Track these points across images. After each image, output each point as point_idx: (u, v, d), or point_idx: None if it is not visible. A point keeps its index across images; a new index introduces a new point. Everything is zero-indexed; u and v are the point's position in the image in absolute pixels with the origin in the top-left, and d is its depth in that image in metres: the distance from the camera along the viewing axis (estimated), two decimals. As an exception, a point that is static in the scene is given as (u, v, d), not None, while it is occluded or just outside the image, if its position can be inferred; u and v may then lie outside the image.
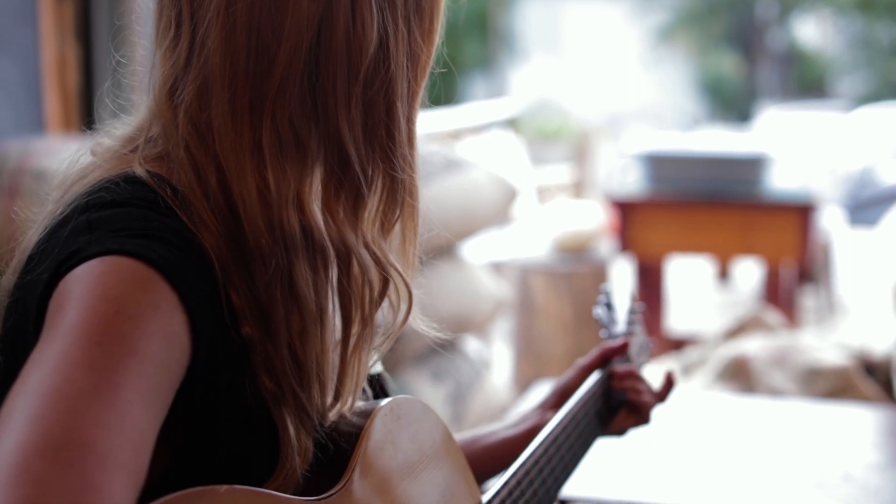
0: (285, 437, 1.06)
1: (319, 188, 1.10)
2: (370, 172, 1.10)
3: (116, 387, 0.83)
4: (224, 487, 0.93)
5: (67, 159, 1.12)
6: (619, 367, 1.54)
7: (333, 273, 1.11)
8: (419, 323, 1.21)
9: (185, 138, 1.04)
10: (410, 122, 1.13)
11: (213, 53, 1.04)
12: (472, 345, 3.52)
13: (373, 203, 1.12)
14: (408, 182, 1.13)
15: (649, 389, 1.54)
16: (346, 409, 1.16)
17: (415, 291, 1.17)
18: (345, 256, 1.09)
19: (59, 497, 0.74)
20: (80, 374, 0.83)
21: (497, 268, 5.16)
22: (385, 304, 1.16)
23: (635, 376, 1.53)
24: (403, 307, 1.17)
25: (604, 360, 1.55)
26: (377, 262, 1.12)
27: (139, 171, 1.04)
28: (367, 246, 1.11)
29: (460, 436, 1.45)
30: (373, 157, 1.10)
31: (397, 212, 1.14)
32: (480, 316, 3.48)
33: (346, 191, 1.09)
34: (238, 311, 1.03)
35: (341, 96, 1.06)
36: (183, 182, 1.04)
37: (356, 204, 1.09)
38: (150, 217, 0.99)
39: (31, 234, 1.05)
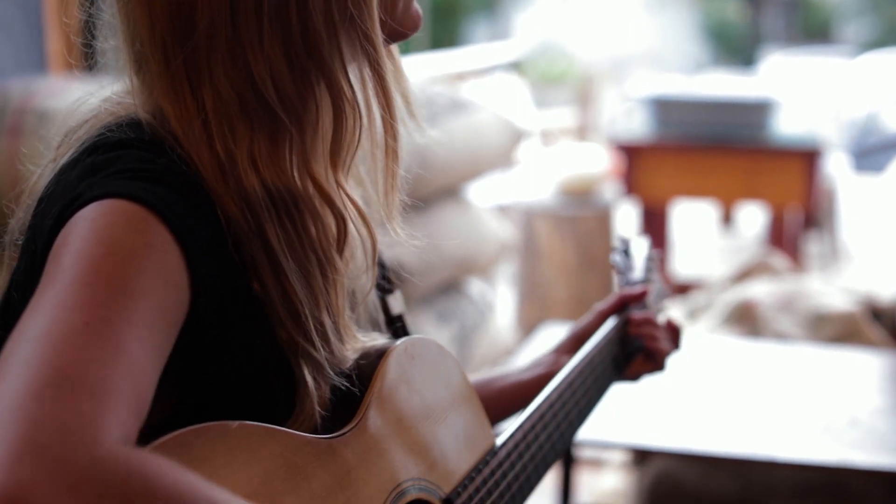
0: (303, 386, 1.06)
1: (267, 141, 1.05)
2: (310, 111, 1.05)
3: (108, 323, 0.83)
4: (235, 423, 0.93)
5: (76, 100, 1.10)
6: (637, 313, 1.53)
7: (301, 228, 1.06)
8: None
9: (147, 114, 1.03)
10: (339, 48, 1.05)
11: (140, 26, 1.02)
12: (476, 287, 3.51)
13: (320, 143, 1.07)
14: (364, 117, 1.08)
15: (665, 337, 1.53)
16: (353, 350, 1.14)
17: (378, 234, 1.13)
18: (291, 201, 1.05)
19: (49, 433, 0.74)
20: (72, 314, 0.82)
21: (501, 211, 5.15)
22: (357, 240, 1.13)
23: (652, 323, 1.52)
24: (368, 249, 1.13)
25: (621, 307, 1.54)
26: (328, 200, 1.08)
27: (143, 115, 1.03)
28: (316, 185, 1.07)
29: (473, 378, 1.44)
30: (307, 92, 1.04)
31: (353, 141, 1.08)
32: (485, 258, 3.47)
33: (289, 137, 1.04)
34: (246, 262, 1.02)
35: (258, 36, 1.01)
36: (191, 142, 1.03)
37: (303, 147, 1.05)
38: (154, 160, 0.98)
39: (42, 174, 1.05)
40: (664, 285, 1.71)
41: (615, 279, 1.65)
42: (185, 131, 1.01)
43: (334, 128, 1.07)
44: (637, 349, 1.51)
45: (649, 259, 1.68)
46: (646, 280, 1.64)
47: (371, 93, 1.09)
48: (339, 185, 1.09)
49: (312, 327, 1.05)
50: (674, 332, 1.55)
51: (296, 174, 1.05)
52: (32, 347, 0.80)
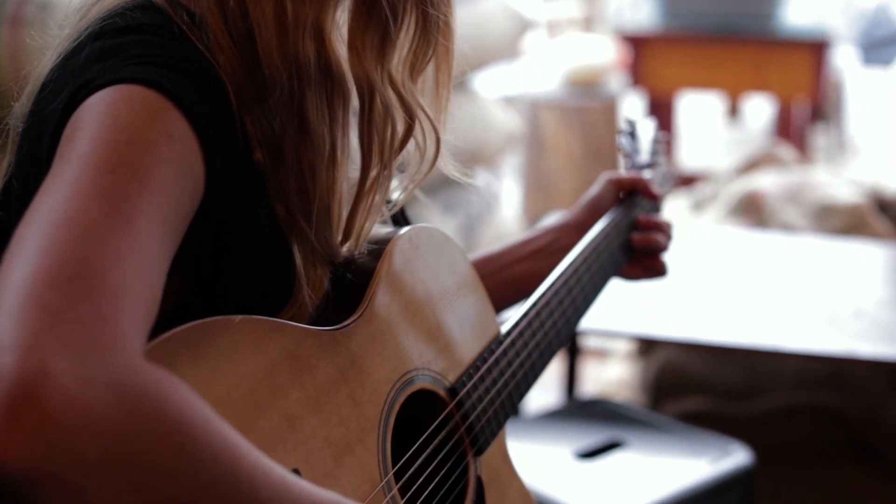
0: (296, 266, 1.05)
1: (348, 21, 1.05)
2: (400, 9, 1.05)
3: (129, 217, 0.81)
4: (239, 317, 0.92)
5: None
6: (643, 216, 1.50)
7: (354, 111, 1.08)
8: (450, 168, 1.18)
9: None
10: None
11: None
12: (482, 178, 3.50)
13: (403, 42, 1.07)
14: (441, 20, 1.08)
15: (667, 241, 1.50)
16: (354, 247, 1.13)
17: (444, 136, 1.13)
18: (367, 94, 1.06)
19: (71, 327, 0.73)
20: (93, 203, 0.80)
21: (507, 102, 5.11)
22: (412, 147, 1.13)
23: (658, 226, 1.49)
24: (430, 152, 1.13)
25: (633, 188, 1.51)
26: (403, 102, 1.08)
27: None
28: (392, 85, 1.07)
29: (475, 258, 1.42)
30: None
31: (430, 52, 1.09)
32: (491, 149, 3.45)
33: (373, 26, 1.04)
34: (251, 137, 1.00)
35: None
36: (202, 4, 1.00)
37: (384, 41, 1.05)
38: (165, 45, 0.95)
39: (46, 61, 1.02)
40: (670, 168, 1.69)
41: (622, 161, 1.63)
42: None
43: (419, 34, 1.08)
44: (641, 251, 1.49)
45: (656, 141, 1.66)
46: (652, 163, 1.61)
47: None
48: (408, 89, 1.09)
49: (316, 209, 1.04)
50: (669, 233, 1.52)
51: (377, 68, 1.05)
52: (51, 233, 0.78)
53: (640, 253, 1.49)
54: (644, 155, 1.62)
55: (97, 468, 0.71)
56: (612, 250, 1.45)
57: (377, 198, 1.12)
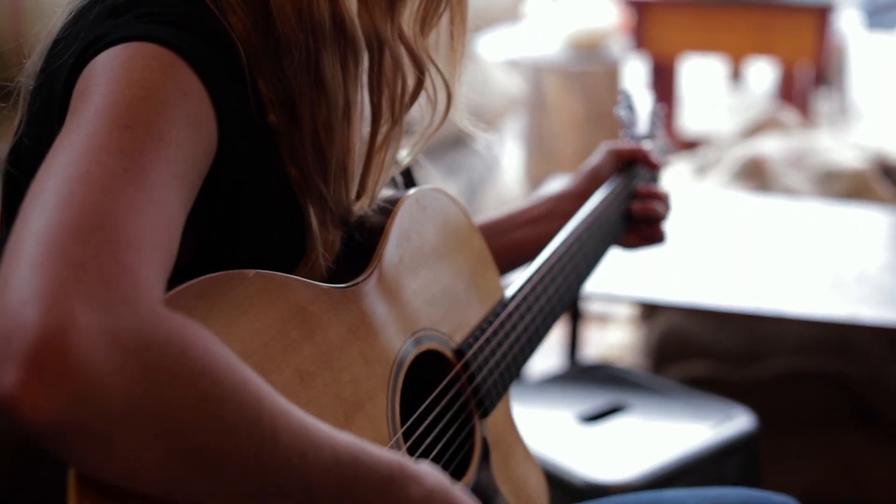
0: (310, 228, 1.05)
1: None
2: None
3: (146, 171, 0.82)
4: (252, 272, 0.93)
5: None
6: (643, 184, 1.51)
7: (365, 67, 1.08)
8: (464, 122, 1.18)
9: None
10: None
11: None
12: (483, 141, 3.50)
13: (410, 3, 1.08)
14: None
15: (665, 210, 1.51)
16: (367, 205, 1.14)
17: (458, 88, 1.14)
18: (377, 49, 1.06)
19: (92, 278, 0.73)
20: (110, 157, 0.81)
21: (509, 66, 5.10)
22: (424, 101, 1.13)
23: (657, 196, 1.50)
24: (442, 106, 1.14)
25: (633, 158, 1.52)
26: (413, 57, 1.09)
27: None
28: (403, 40, 1.08)
29: (481, 223, 1.43)
30: None
31: (442, 5, 1.10)
32: (492, 112, 3.44)
33: None
34: (264, 98, 1.00)
35: None
36: None
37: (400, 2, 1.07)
38: (177, 4, 0.95)
39: (57, 18, 1.02)
40: (666, 141, 1.70)
41: (620, 132, 1.64)
42: None
43: None
44: (641, 220, 1.50)
45: (653, 114, 1.67)
46: (650, 134, 1.62)
47: None
48: (419, 43, 1.10)
49: (332, 168, 1.04)
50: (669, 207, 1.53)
51: (387, 23, 1.06)
52: (70, 186, 0.78)
53: (639, 222, 1.50)
54: (642, 126, 1.63)
55: (123, 418, 0.72)
56: (612, 218, 1.45)
57: (389, 153, 1.13)
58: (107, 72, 0.88)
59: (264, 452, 0.80)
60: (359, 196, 1.12)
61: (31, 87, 1.01)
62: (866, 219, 2.72)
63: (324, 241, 1.07)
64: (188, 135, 0.87)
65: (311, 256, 1.06)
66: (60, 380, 0.70)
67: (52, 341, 0.70)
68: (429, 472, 0.94)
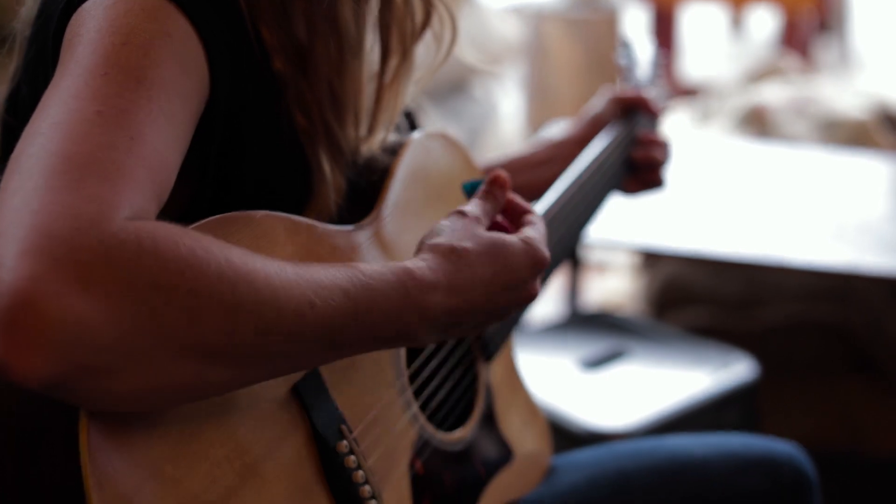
0: (320, 173, 1.05)
1: None
2: None
3: (123, 112, 0.81)
4: (260, 213, 0.92)
5: None
6: (644, 131, 1.51)
7: (375, 4, 1.08)
8: (468, 56, 1.18)
9: None
10: None
11: None
12: (482, 89, 3.48)
13: None
14: None
15: (664, 155, 1.51)
16: (378, 142, 1.14)
17: (460, 22, 1.14)
18: None
19: (57, 218, 0.72)
20: (84, 104, 0.80)
21: (510, 13, 5.06)
22: (428, 37, 1.13)
23: (656, 143, 1.50)
24: (447, 38, 1.15)
25: (634, 105, 1.51)
26: None
27: None
28: None
29: (485, 164, 1.43)
30: None
31: None
32: (493, 60, 3.43)
33: None
34: (269, 46, 0.99)
35: None
36: None
37: None
38: None
39: None
40: (666, 88, 1.69)
41: (621, 80, 1.63)
42: None
43: None
44: (641, 165, 1.50)
45: (654, 61, 1.66)
46: (651, 82, 1.62)
47: None
48: None
49: (346, 108, 1.04)
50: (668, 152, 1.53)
51: None
52: (44, 140, 0.78)
53: (639, 168, 1.50)
54: (643, 73, 1.62)
55: (118, 344, 0.72)
56: (614, 164, 1.45)
57: (400, 89, 1.12)
58: (90, 20, 0.88)
59: (272, 319, 0.79)
60: (370, 134, 1.12)
61: (26, 35, 1.00)
62: (867, 167, 2.71)
63: (333, 183, 1.06)
64: (173, 75, 0.86)
65: (318, 200, 1.05)
66: (41, 335, 0.69)
67: (23, 298, 0.69)
68: (433, 265, 0.94)
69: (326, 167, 1.05)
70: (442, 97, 3.17)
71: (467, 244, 0.96)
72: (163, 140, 0.83)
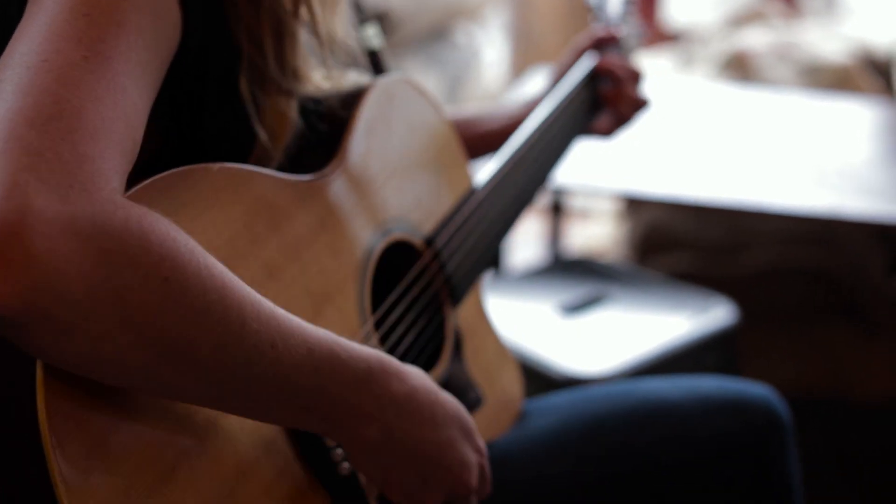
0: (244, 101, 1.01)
1: None
2: None
3: (107, 59, 0.80)
4: (217, 165, 0.91)
5: None
6: (609, 57, 1.47)
7: None
8: None
9: None
10: None
11: None
12: (464, 34, 3.45)
13: None
14: None
15: (632, 80, 1.47)
16: (333, 77, 1.10)
17: None
18: None
19: (50, 167, 0.72)
20: (69, 45, 0.79)
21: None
22: None
23: (620, 66, 1.46)
24: None
25: (597, 45, 1.48)
26: None
27: None
28: None
29: (455, 114, 1.41)
30: None
31: None
32: (473, 2, 3.40)
33: None
34: None
35: None
36: None
37: None
38: None
39: None
40: (640, 27, 1.66)
41: (591, 21, 1.61)
42: None
43: None
44: (609, 98, 1.46)
45: (626, 1, 1.63)
46: (622, 22, 1.59)
47: None
48: None
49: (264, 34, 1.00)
50: (636, 77, 1.49)
51: None
52: (29, 75, 0.76)
53: (609, 102, 1.47)
54: (614, 11, 1.59)
55: (84, 305, 0.71)
56: (582, 105, 1.43)
57: (318, 17, 1.05)
58: None
59: (232, 340, 0.79)
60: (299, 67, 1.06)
61: None
62: (850, 112, 2.70)
63: (267, 119, 1.02)
64: (149, 22, 0.85)
65: (256, 140, 1.02)
66: (19, 267, 0.68)
67: (9, 229, 0.68)
68: (413, 370, 0.93)
69: (245, 94, 1.00)
70: (423, 43, 3.14)
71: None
72: (139, 92, 0.82)
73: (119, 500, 0.77)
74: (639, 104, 1.46)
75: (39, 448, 0.74)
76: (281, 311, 0.83)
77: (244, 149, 1.01)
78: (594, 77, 1.45)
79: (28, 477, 0.75)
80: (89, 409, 0.77)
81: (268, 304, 0.82)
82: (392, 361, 0.91)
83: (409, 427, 0.92)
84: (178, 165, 0.88)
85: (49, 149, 0.72)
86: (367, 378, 0.88)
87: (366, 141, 1.11)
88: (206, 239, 0.87)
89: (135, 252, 0.73)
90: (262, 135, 1.01)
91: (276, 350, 0.82)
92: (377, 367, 0.89)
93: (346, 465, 0.96)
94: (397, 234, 1.13)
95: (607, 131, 1.48)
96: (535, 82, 2.80)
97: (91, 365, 0.75)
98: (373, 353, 0.89)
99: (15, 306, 0.69)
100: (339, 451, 0.96)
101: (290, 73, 1.03)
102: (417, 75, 2.96)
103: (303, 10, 1.03)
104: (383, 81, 1.17)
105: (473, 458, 0.99)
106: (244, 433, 0.88)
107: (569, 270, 2.34)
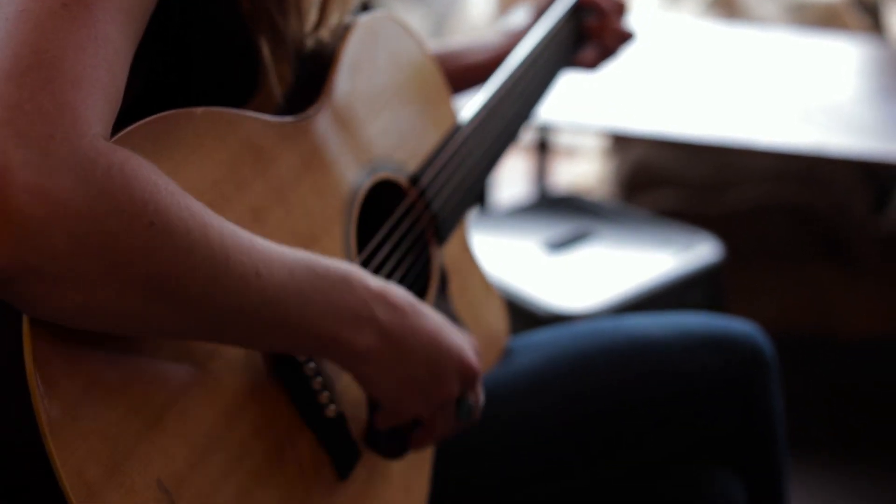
0: (262, 63, 1.02)
1: None
2: None
3: (87, 6, 0.78)
4: (200, 109, 0.90)
5: None
6: None
7: None
8: None
9: None
10: None
11: None
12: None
13: None
14: None
15: (615, 11, 1.46)
16: (325, 35, 1.11)
17: None
18: None
19: (29, 119, 0.71)
20: None
21: None
22: None
23: (608, 1, 1.45)
24: None
25: None
26: None
27: None
28: None
29: (439, 47, 1.40)
30: None
31: None
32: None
33: None
34: None
35: None
36: None
37: None
38: None
39: None
40: None
41: None
42: None
43: None
44: (592, 32, 1.45)
45: None
46: None
47: None
48: None
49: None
50: (621, 9, 1.48)
51: None
52: (7, 27, 0.75)
53: (593, 34, 1.46)
54: None
55: (71, 255, 0.71)
56: (567, 38, 1.42)
57: None
58: None
59: (219, 274, 0.79)
60: (320, 25, 1.10)
61: None
62: (837, 50, 2.70)
63: (277, 74, 1.04)
64: None
65: (263, 91, 1.03)
66: (2, 224, 0.68)
67: None
68: (385, 282, 0.95)
69: (267, 56, 1.02)
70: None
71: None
72: (122, 39, 0.81)
73: (108, 448, 0.78)
74: (624, 37, 1.46)
75: (26, 398, 0.74)
76: (258, 239, 0.84)
77: (242, 94, 1.01)
78: (578, 9, 1.45)
79: (13, 423, 0.75)
80: (77, 356, 0.77)
81: (245, 234, 0.83)
82: (359, 267, 0.93)
83: (399, 319, 0.94)
84: (162, 109, 0.87)
85: (28, 100, 0.71)
86: (345, 280, 0.90)
87: (350, 79, 1.11)
88: (192, 184, 0.87)
89: (118, 199, 0.73)
90: (274, 84, 1.02)
91: (261, 277, 0.82)
92: (351, 270, 0.91)
93: (332, 407, 0.97)
94: (382, 174, 1.12)
95: (592, 64, 1.47)
96: (521, 17, 2.78)
97: (85, 316, 0.75)
98: (342, 261, 0.91)
99: (2, 264, 0.69)
100: (326, 393, 0.96)
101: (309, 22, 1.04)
102: (403, 13, 2.94)
103: None
104: (367, 18, 1.16)
105: (461, 338, 1.01)
106: (232, 378, 0.89)
107: (554, 207, 2.34)
